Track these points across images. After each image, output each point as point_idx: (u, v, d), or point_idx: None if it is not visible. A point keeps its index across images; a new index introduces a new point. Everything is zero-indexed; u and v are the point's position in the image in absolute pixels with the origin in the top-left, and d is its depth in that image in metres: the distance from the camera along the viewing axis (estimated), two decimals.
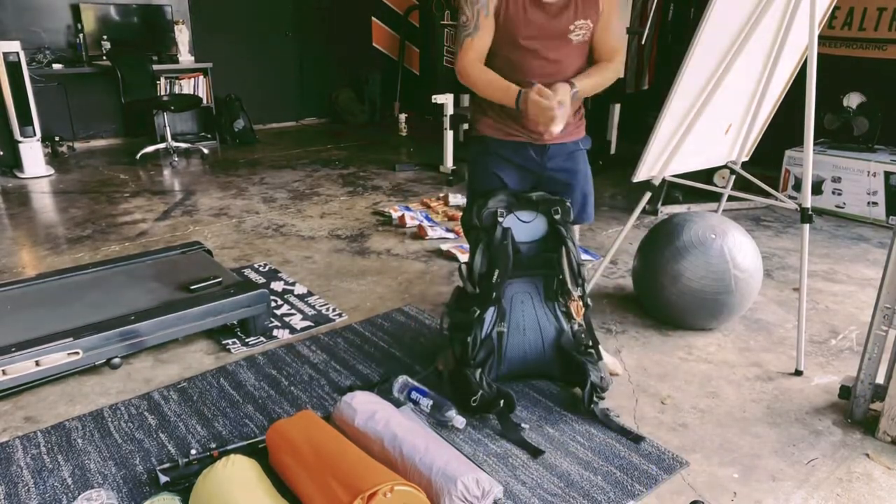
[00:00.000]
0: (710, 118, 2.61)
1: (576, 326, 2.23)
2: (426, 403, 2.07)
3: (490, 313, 2.13)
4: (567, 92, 1.91)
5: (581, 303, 2.19)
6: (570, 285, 2.16)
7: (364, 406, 1.93)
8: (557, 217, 2.12)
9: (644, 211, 3.11)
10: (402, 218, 4.02)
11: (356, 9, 7.37)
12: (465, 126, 6.00)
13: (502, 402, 2.03)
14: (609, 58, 2.08)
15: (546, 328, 2.21)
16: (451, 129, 5.12)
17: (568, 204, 2.14)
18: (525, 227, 2.15)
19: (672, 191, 4.30)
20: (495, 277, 2.08)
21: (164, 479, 1.76)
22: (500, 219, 2.09)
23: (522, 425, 2.04)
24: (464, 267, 2.18)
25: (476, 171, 2.22)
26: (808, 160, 2.36)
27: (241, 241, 3.75)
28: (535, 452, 1.93)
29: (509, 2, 1.93)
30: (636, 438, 2.00)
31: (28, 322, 2.36)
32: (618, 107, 5.48)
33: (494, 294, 2.10)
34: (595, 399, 2.09)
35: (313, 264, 3.41)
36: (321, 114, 7.56)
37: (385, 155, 5.94)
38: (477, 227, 2.10)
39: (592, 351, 2.20)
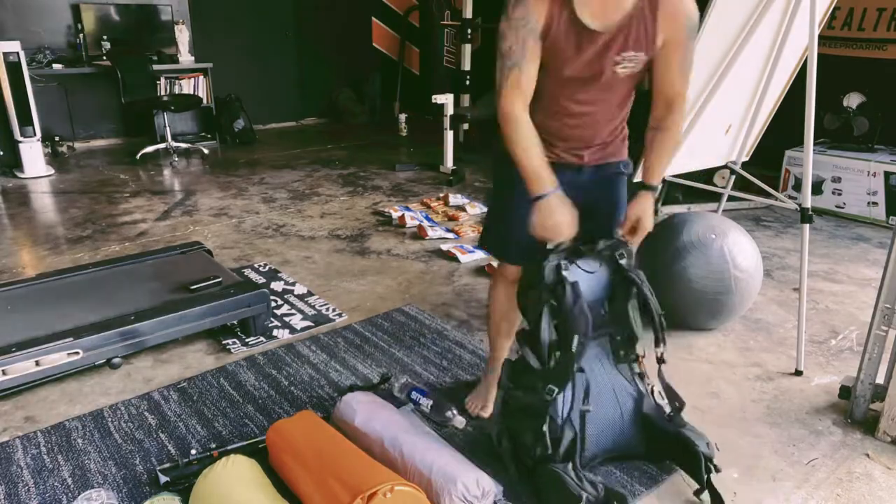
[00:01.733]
0: (710, 118, 2.61)
1: (654, 390, 1.90)
2: (426, 404, 2.07)
3: (566, 391, 1.74)
4: (650, 206, 1.74)
5: (656, 358, 1.84)
6: (642, 340, 1.81)
7: (364, 406, 1.93)
8: (624, 262, 1.76)
9: None
10: (402, 218, 4.02)
11: (356, 9, 7.37)
12: (466, 126, 6.01)
13: (616, 502, 1.64)
14: (668, 104, 1.73)
15: (623, 396, 1.84)
16: (451, 129, 5.12)
17: (631, 247, 1.80)
18: (588, 278, 1.76)
19: (672, 191, 4.30)
20: (575, 345, 1.68)
21: (164, 479, 1.76)
22: (564, 272, 1.70)
23: None
24: (523, 334, 1.80)
25: (502, 195, 1.88)
26: (808, 160, 2.36)
27: (241, 241, 3.75)
28: None
29: (557, 20, 1.58)
30: None
31: (28, 322, 2.35)
32: None
33: (574, 366, 1.70)
34: (710, 473, 1.74)
35: (313, 264, 3.41)
36: (321, 114, 7.56)
37: (385, 155, 5.94)
38: (536, 287, 1.70)
39: (682, 417, 1.84)
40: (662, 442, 1.83)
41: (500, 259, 2.01)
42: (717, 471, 1.75)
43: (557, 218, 1.64)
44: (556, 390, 1.70)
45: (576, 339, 1.68)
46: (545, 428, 1.71)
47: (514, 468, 1.80)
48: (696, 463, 1.74)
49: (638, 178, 2.66)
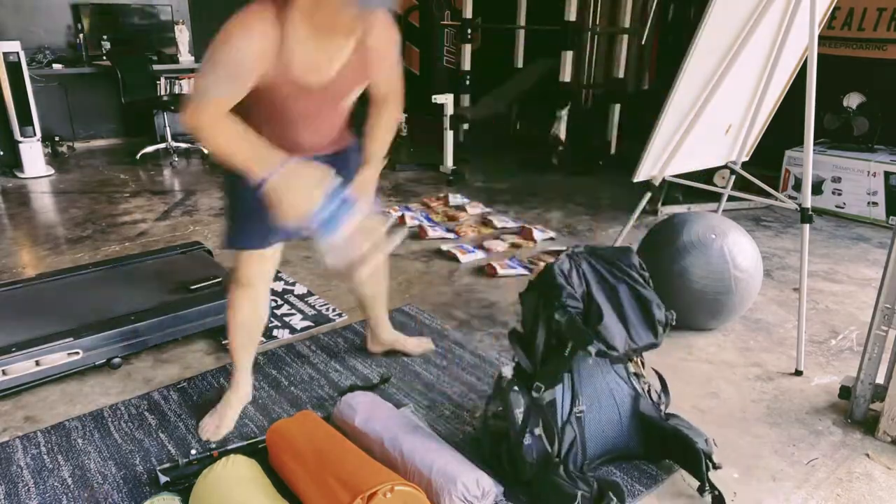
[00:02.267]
0: (710, 118, 2.61)
1: (651, 389, 1.93)
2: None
3: (560, 393, 1.76)
4: (370, 178, 1.86)
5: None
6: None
7: (364, 406, 1.93)
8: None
9: (644, 211, 3.11)
10: (402, 218, 4.02)
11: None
12: (466, 126, 6.01)
13: (611, 493, 1.65)
14: (384, 101, 1.86)
15: (620, 395, 1.86)
16: (451, 129, 5.12)
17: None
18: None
19: (672, 191, 4.30)
20: (567, 351, 1.71)
21: (164, 478, 1.76)
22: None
23: None
24: (515, 334, 1.82)
25: (233, 192, 1.79)
26: (808, 160, 2.36)
27: None
28: None
29: (271, 73, 1.53)
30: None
31: (28, 322, 2.36)
32: (618, 107, 5.49)
33: (565, 368, 1.75)
34: (710, 470, 1.74)
35: (313, 264, 3.41)
36: None
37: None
38: (535, 289, 1.74)
39: (676, 414, 1.89)
40: (661, 441, 1.85)
41: (242, 248, 1.82)
42: (717, 467, 1.75)
43: (298, 189, 1.48)
44: (543, 387, 1.72)
45: (570, 345, 1.69)
46: (538, 431, 1.72)
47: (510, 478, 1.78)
48: (696, 460, 1.74)
49: (637, 179, 2.67)
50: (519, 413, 1.73)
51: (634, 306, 1.75)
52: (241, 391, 2.08)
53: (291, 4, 1.48)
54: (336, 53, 1.61)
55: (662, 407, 1.92)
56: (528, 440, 1.72)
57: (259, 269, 1.85)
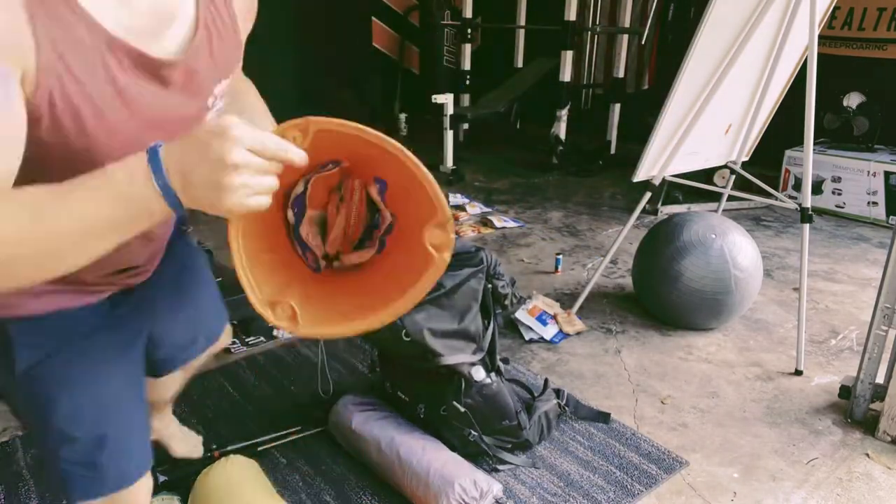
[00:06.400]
0: (710, 118, 2.61)
1: None
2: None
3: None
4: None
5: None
6: None
7: (361, 408, 1.93)
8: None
9: (644, 211, 3.11)
10: None
11: (356, 9, 7.37)
12: (465, 126, 6.01)
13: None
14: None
15: None
16: (451, 129, 5.12)
17: None
18: None
19: (672, 191, 4.30)
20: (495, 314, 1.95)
21: (162, 478, 1.75)
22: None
23: None
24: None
25: (38, 398, 1.05)
26: (808, 160, 2.36)
27: None
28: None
29: (73, 81, 0.79)
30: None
31: None
32: (618, 107, 5.48)
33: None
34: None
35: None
36: (321, 114, 7.52)
37: None
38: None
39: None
40: None
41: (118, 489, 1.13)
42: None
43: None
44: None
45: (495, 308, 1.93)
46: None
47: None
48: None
49: (636, 179, 2.67)
50: (509, 397, 1.88)
51: None
52: None
53: None
54: None
55: None
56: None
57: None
